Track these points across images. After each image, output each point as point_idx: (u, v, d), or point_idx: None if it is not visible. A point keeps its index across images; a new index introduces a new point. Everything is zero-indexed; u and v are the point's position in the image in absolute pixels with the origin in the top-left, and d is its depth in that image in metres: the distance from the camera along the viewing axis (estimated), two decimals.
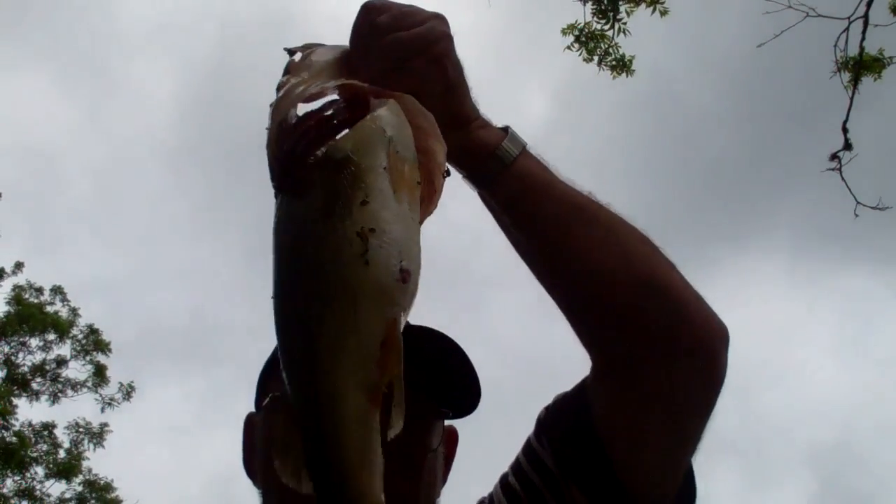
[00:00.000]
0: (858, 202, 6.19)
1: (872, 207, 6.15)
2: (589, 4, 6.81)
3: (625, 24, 6.79)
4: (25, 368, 13.24)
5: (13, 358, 13.16)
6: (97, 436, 13.09)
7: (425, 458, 0.99)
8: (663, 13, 6.78)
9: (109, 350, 13.58)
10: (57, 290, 13.56)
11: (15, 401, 12.84)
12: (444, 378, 1.01)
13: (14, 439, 12.28)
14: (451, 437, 1.11)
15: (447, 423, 1.08)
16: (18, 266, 13.38)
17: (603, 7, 6.83)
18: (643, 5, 6.74)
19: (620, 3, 6.80)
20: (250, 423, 1.08)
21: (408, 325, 0.91)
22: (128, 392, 13.53)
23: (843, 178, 6.31)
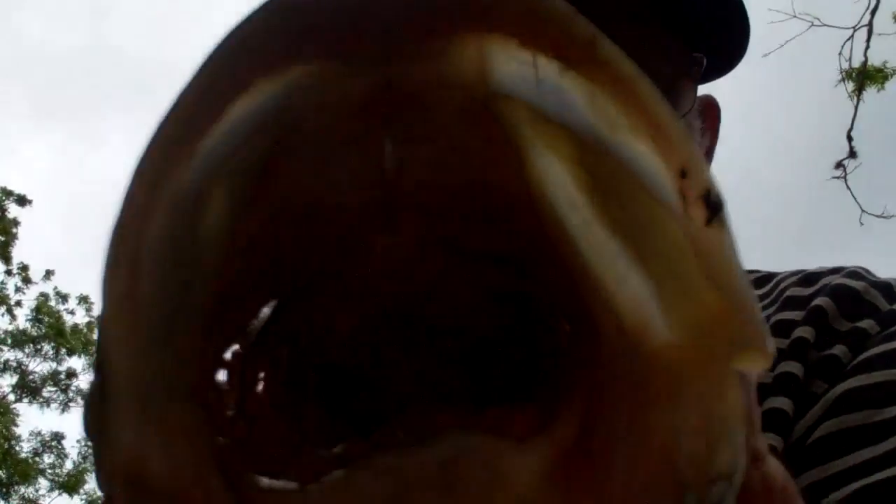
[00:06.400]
0: (864, 210, 6.05)
1: (877, 216, 5.99)
2: None
3: None
4: (37, 376, 13.39)
5: (25, 366, 13.33)
6: None
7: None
8: None
9: None
10: (83, 300, 13.81)
11: (26, 407, 12.95)
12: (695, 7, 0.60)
13: (31, 459, 12.32)
14: (710, 107, 0.73)
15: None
16: (48, 275, 13.43)
17: None
18: None
19: None
20: None
21: None
22: None
23: (848, 187, 6.20)
